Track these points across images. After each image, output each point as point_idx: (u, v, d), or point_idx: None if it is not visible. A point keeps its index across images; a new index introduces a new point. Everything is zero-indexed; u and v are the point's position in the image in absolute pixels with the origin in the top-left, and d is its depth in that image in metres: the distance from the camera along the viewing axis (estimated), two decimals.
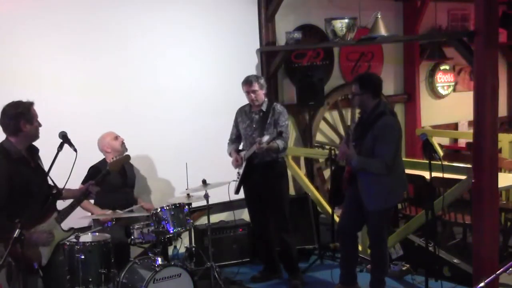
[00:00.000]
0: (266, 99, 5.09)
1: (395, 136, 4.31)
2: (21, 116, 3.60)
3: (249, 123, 5.10)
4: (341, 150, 4.25)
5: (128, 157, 4.40)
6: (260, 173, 5.01)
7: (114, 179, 4.84)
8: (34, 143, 3.80)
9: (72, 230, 3.90)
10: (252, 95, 4.99)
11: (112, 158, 4.26)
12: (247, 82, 5.00)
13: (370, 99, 4.31)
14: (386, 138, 4.22)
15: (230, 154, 5.23)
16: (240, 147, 5.26)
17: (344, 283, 4.67)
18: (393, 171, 4.27)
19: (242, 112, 5.19)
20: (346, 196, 4.56)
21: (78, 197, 3.89)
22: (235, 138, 5.27)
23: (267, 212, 5.15)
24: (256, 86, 4.97)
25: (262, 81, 5.06)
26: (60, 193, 3.81)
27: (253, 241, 5.73)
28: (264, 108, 5.04)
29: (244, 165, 5.06)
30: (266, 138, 4.84)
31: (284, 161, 5.25)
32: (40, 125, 3.72)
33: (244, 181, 5.12)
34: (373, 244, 4.56)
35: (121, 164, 4.25)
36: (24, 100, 3.67)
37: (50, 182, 3.76)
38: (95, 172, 4.70)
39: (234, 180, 5.14)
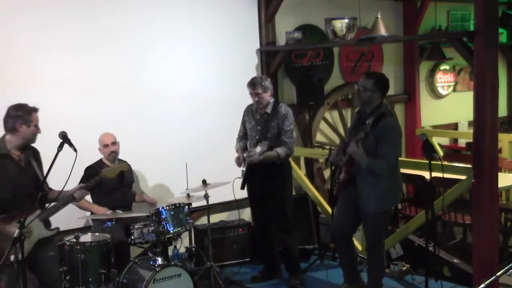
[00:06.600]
0: (271, 100, 5.04)
1: (398, 138, 4.38)
2: (20, 117, 3.80)
3: (254, 124, 5.08)
4: (349, 150, 4.22)
5: (126, 165, 4.40)
6: (263, 173, 4.98)
7: (110, 180, 4.84)
8: (36, 147, 3.95)
9: (56, 229, 3.94)
10: (255, 97, 4.98)
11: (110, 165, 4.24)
12: (251, 85, 4.97)
13: (378, 98, 4.30)
14: (390, 139, 4.21)
15: (237, 151, 5.21)
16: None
17: (348, 282, 4.67)
18: (394, 172, 4.29)
19: (249, 111, 5.17)
20: (341, 197, 4.52)
21: (63, 201, 3.89)
22: (243, 135, 5.24)
23: (270, 212, 5.14)
24: (259, 89, 4.93)
25: (267, 83, 4.98)
26: (45, 195, 3.93)
27: (253, 241, 5.73)
28: (269, 110, 5.00)
29: (245, 165, 5.03)
30: (258, 149, 4.86)
31: (289, 163, 5.20)
32: (38, 130, 3.87)
33: (247, 179, 5.07)
34: (370, 246, 4.53)
35: (117, 172, 4.27)
36: (31, 104, 3.86)
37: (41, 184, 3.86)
38: (91, 173, 4.70)
39: (238, 177, 5.09)
